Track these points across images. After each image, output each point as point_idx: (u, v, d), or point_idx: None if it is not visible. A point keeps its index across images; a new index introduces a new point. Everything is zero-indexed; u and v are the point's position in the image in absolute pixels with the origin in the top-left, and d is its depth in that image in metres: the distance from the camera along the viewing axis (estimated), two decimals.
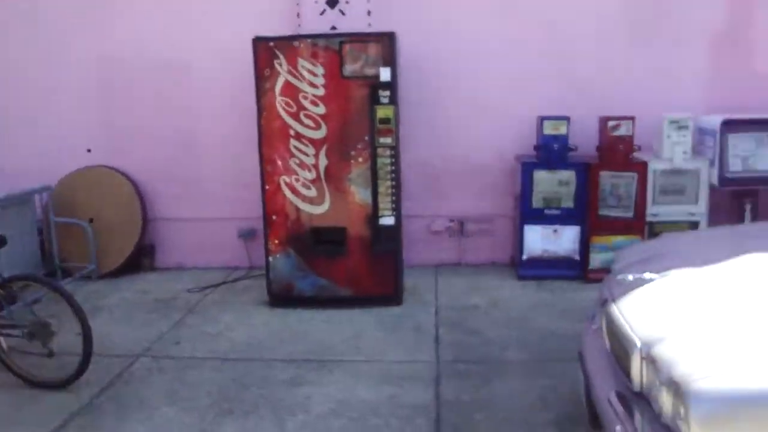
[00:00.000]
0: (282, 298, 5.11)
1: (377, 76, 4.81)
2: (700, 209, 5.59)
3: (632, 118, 5.41)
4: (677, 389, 2.09)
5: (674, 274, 2.84)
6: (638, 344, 2.40)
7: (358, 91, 4.85)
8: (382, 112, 4.86)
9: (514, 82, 5.89)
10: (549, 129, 5.51)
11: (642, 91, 5.79)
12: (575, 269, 5.68)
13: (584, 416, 3.33)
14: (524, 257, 5.70)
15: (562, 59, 5.84)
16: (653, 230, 5.56)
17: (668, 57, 5.86)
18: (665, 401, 2.18)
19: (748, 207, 5.68)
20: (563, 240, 5.67)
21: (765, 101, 5.94)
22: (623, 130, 5.43)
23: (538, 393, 3.71)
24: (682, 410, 2.06)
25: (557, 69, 5.84)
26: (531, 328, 4.65)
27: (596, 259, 5.60)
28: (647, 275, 2.85)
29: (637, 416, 2.35)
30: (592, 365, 2.85)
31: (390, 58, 4.80)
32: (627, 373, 2.50)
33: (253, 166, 5.30)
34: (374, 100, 4.83)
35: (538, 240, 5.68)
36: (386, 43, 4.80)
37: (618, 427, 2.34)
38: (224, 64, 5.81)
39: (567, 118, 5.49)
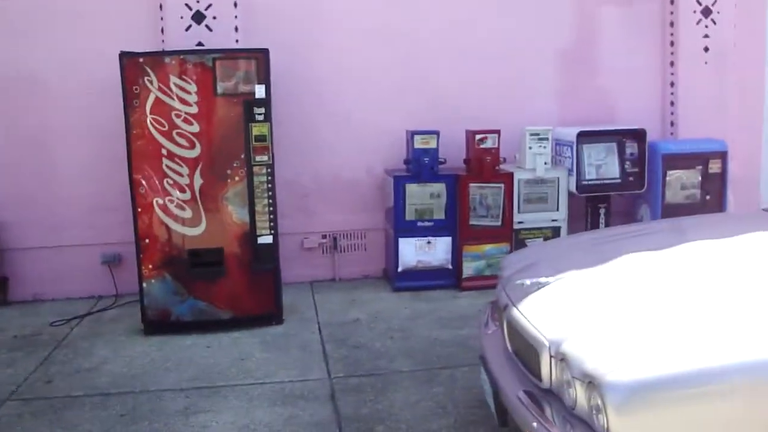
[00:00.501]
0: (158, 324, 4.89)
1: (252, 94, 4.75)
2: (561, 215, 5.95)
3: (498, 132, 5.68)
4: (592, 383, 2.22)
5: (565, 277, 3.01)
6: (547, 344, 2.52)
7: (233, 108, 4.76)
8: (257, 130, 4.80)
9: (383, 97, 6.02)
10: (419, 143, 5.67)
11: (504, 105, 6.11)
12: (449, 278, 5.86)
13: (483, 419, 3.48)
14: (399, 269, 5.80)
15: (428, 75, 6.06)
16: (519, 237, 5.86)
17: (526, 73, 6.23)
18: (579, 395, 2.31)
19: (602, 211, 6.12)
20: (437, 251, 5.83)
21: (610, 114, 6.47)
22: (489, 143, 5.69)
23: (435, 400, 3.78)
24: (598, 402, 2.18)
25: (424, 84, 6.05)
26: (414, 338, 4.73)
27: (469, 268, 5.81)
28: (543, 279, 3.00)
29: (549, 412, 2.47)
30: (496, 368, 2.95)
31: (264, 75, 4.76)
32: (535, 372, 2.62)
33: (119, 188, 5.07)
34: (249, 118, 4.76)
35: (413, 251, 5.81)
36: (261, 59, 4.75)
37: (534, 424, 2.43)
38: (82, 80, 5.51)
39: (436, 133, 5.67)
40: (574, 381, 2.33)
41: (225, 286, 4.93)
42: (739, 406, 2.10)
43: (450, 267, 5.84)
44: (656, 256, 3.14)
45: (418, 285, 5.79)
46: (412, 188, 5.72)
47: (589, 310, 2.66)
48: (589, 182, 5.95)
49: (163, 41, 5.48)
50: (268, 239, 4.96)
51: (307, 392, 3.94)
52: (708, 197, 6.21)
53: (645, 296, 2.69)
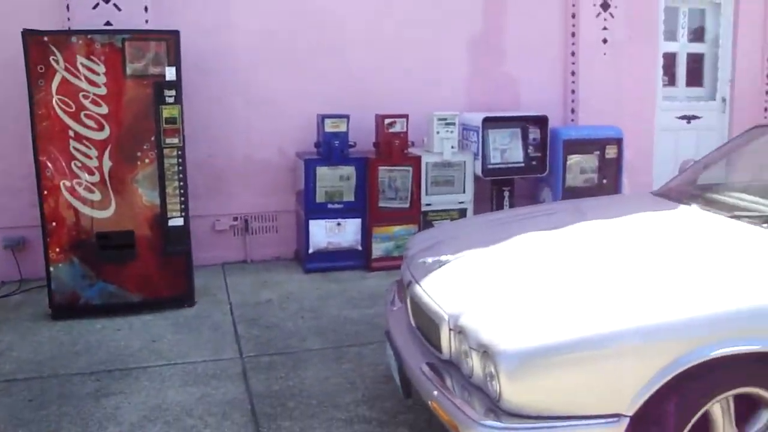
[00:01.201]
0: (67, 309, 4.83)
1: (162, 75, 4.73)
2: (467, 197, 6.18)
3: (406, 116, 5.84)
4: (486, 352, 2.40)
5: (466, 255, 3.20)
6: (446, 317, 2.69)
7: (143, 90, 4.73)
8: (167, 112, 4.78)
9: (296, 80, 6.09)
10: (329, 127, 5.77)
11: (414, 90, 6.29)
12: (359, 259, 6.01)
13: (390, 392, 3.65)
14: (310, 250, 5.91)
15: (341, 59, 6.16)
16: (427, 219, 6.06)
17: (436, 60, 6.42)
18: (476, 364, 2.49)
19: (506, 194, 6.39)
20: (346, 232, 5.96)
21: (515, 100, 6.75)
22: (398, 127, 5.85)
23: (344, 376, 3.93)
24: (492, 369, 2.37)
25: (336, 68, 6.15)
26: (325, 318, 4.86)
27: (378, 249, 5.97)
28: (444, 258, 3.18)
29: (449, 381, 2.65)
30: (401, 342, 3.12)
31: (175, 57, 4.75)
32: (436, 344, 2.79)
33: (22, 170, 4.97)
34: (159, 100, 4.75)
35: (323, 233, 5.92)
36: (171, 41, 4.73)
37: (435, 392, 2.60)
38: None
39: (347, 117, 5.78)
40: (470, 351, 2.51)
41: (135, 268, 4.91)
42: (619, 369, 2.32)
43: (360, 248, 5.98)
44: (551, 234, 3.38)
45: (328, 266, 5.92)
46: (322, 171, 5.82)
47: (486, 285, 2.86)
48: (494, 166, 6.21)
49: (68, 19, 5.36)
50: (179, 222, 4.97)
51: (219, 372, 4.01)
52: (605, 181, 6.57)
53: (538, 271, 2.90)
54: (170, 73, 4.75)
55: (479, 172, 6.15)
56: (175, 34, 4.78)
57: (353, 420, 3.44)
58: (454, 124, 6.03)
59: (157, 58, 4.73)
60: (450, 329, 2.67)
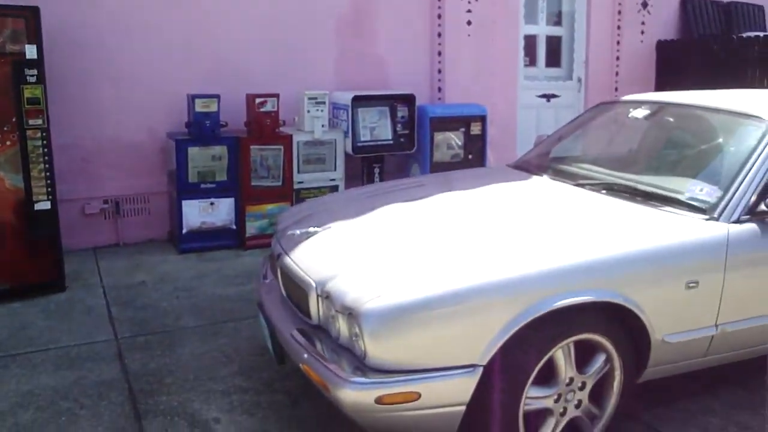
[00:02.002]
0: None
1: (22, 54, 4.56)
2: (338, 175, 6.33)
3: (277, 95, 5.91)
4: (351, 314, 2.57)
5: (333, 226, 3.35)
6: (314, 284, 2.84)
7: (1, 69, 4.56)
8: (29, 92, 4.63)
9: (165, 60, 6.01)
10: (200, 107, 5.75)
11: (285, 70, 6.35)
12: (233, 238, 6.05)
13: (265, 363, 3.77)
14: (184, 231, 5.89)
15: (212, 38, 6.13)
16: (300, 197, 6.16)
17: (306, 40, 6.50)
18: (342, 327, 2.66)
19: (376, 170, 6.59)
20: (220, 212, 5.98)
21: (383, 79, 6.94)
22: (269, 107, 5.91)
23: (220, 351, 4.00)
24: (357, 330, 2.54)
25: (207, 48, 6.12)
26: (200, 296, 4.89)
27: (252, 227, 6.03)
28: (311, 229, 3.32)
29: (318, 344, 2.80)
30: (272, 312, 3.23)
31: (36, 35, 4.59)
32: (305, 311, 2.93)
33: None
34: (20, 80, 4.58)
35: (196, 213, 5.91)
36: (31, 17, 4.57)
37: (305, 355, 2.75)
38: None
39: (217, 96, 5.78)
40: (337, 315, 2.67)
41: (0, 256, 4.75)
42: (472, 323, 2.55)
43: (234, 227, 6.02)
44: (413, 204, 3.60)
45: (203, 246, 5.92)
46: (194, 151, 5.80)
47: (351, 252, 3.03)
48: (364, 143, 6.39)
49: None
50: (46, 206, 4.83)
51: (93, 354, 3.98)
52: (471, 156, 6.89)
53: (399, 237, 3.11)
54: (31, 52, 4.59)
55: (350, 149, 6.31)
56: (35, 10, 4.61)
57: (230, 391, 3.54)
58: (324, 103, 6.15)
59: (15, 35, 4.55)
60: (318, 295, 2.82)
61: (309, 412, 3.35)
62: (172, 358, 3.92)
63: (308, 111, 6.10)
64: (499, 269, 2.65)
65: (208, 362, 3.87)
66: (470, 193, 3.75)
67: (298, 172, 6.17)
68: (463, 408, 2.58)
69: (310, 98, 6.09)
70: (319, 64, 6.61)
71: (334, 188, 6.32)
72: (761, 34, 8.36)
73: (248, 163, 5.93)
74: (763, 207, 3.12)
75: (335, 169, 6.32)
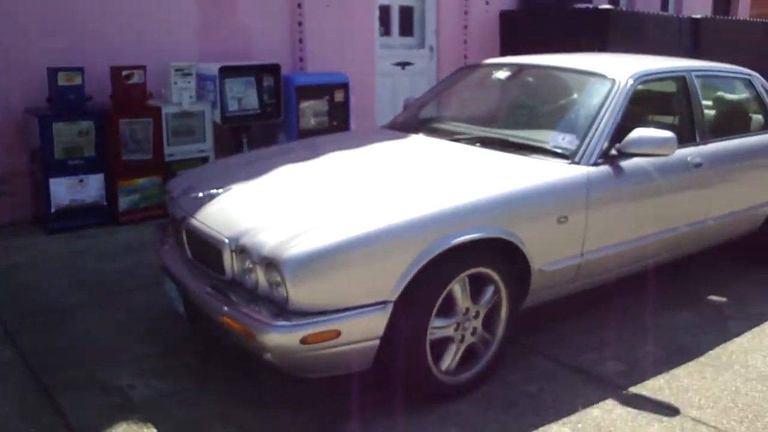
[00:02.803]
0: None
1: None
2: (208, 146, 6.36)
3: (143, 67, 5.84)
4: (271, 263, 2.75)
5: (234, 187, 3.48)
6: (226, 241, 2.99)
7: None
8: None
9: (17, 32, 5.75)
10: (63, 80, 5.58)
11: (150, 42, 6.27)
12: (105, 215, 5.93)
13: (168, 328, 3.86)
14: (52, 210, 5.72)
15: (70, 9, 5.91)
16: (171, 169, 6.13)
17: (169, 11, 6.43)
18: (260, 277, 2.83)
19: (245, 140, 6.67)
20: (90, 188, 5.85)
21: (248, 50, 7.00)
22: (136, 79, 5.83)
23: (117, 322, 4.01)
24: (278, 278, 2.73)
25: (69, 19, 5.90)
26: (82, 273, 4.81)
27: (124, 202, 5.95)
28: (213, 191, 3.43)
29: (235, 297, 2.95)
30: (181, 274, 3.34)
31: None
32: (218, 268, 3.07)
33: None
34: None
35: (64, 191, 5.74)
36: None
37: (225, 308, 2.90)
38: None
39: (81, 69, 5.63)
40: (254, 266, 2.84)
41: None
42: (382, 263, 2.82)
43: (105, 203, 5.92)
44: (310, 163, 3.82)
45: (74, 224, 5.76)
46: (59, 127, 5.62)
47: (258, 209, 3.19)
48: (232, 114, 6.46)
49: None
50: None
51: None
52: (335, 123, 7.12)
53: (304, 193, 3.32)
54: None
55: (218, 120, 6.36)
56: None
57: (137, 358, 3.58)
58: (191, 74, 6.15)
59: None
60: (231, 251, 2.97)
61: (221, 369, 3.49)
62: (67, 335, 3.88)
63: (175, 83, 6.07)
64: (402, 213, 2.94)
65: (107, 334, 3.88)
66: (358, 151, 4.00)
67: (168, 144, 6.14)
68: (377, 341, 2.85)
69: (176, 70, 6.06)
70: (185, 34, 6.57)
71: (205, 159, 6.34)
72: (591, 5, 9.19)
73: (117, 138, 5.83)
74: (614, 151, 3.62)
75: (205, 141, 6.34)
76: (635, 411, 3.18)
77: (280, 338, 2.70)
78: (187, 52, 6.44)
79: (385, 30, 8.34)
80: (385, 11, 8.26)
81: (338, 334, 2.75)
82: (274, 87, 6.69)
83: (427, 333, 2.96)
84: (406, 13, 8.57)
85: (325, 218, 2.94)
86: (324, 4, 7.37)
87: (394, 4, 8.38)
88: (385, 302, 2.82)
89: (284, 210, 3.12)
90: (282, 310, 2.76)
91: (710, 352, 3.76)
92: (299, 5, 7.26)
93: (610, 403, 3.22)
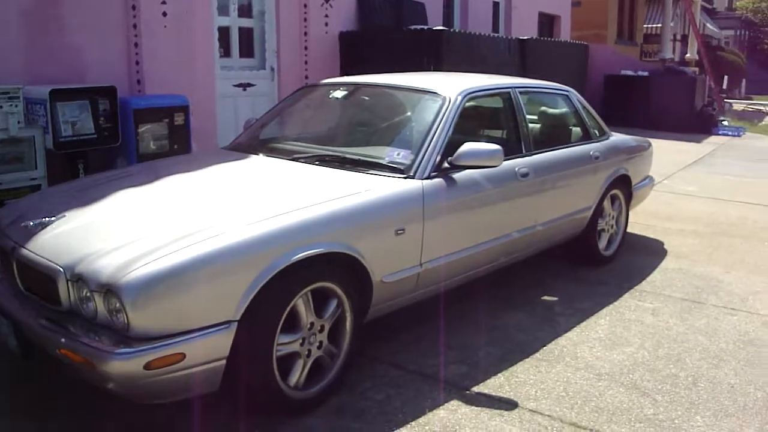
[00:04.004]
0: None
1: None
2: (40, 173, 6.02)
3: None
4: (109, 290, 2.69)
5: (68, 214, 3.35)
6: (61, 270, 2.88)
7: None
8: None
9: None
10: None
11: None
12: None
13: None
14: None
15: None
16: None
17: None
18: (99, 305, 2.76)
19: (81, 166, 6.41)
20: None
21: (82, 72, 6.75)
22: None
23: None
24: (117, 305, 2.67)
25: None
26: None
27: None
28: (46, 220, 3.29)
29: (72, 328, 2.84)
30: (12, 307, 3.16)
31: None
32: (53, 299, 2.95)
33: None
34: None
35: None
36: None
37: (63, 339, 2.79)
38: None
39: None
40: (92, 294, 2.76)
41: None
42: (224, 282, 2.82)
43: None
44: (148, 187, 3.74)
45: None
46: None
47: (94, 236, 3.09)
48: (66, 139, 6.18)
49: None
50: None
51: None
52: (176, 146, 6.97)
53: (140, 217, 3.25)
54: None
55: (50, 146, 6.07)
56: None
57: None
58: (18, 97, 5.81)
59: None
60: (67, 280, 2.87)
61: (62, 403, 3.34)
62: None
63: (1, 107, 5.74)
64: (241, 232, 2.96)
65: None
66: (198, 173, 3.98)
67: None
68: (224, 362, 2.85)
69: (1, 93, 5.73)
70: (10, 57, 6.22)
71: (36, 188, 6.00)
72: (426, 27, 9.61)
73: None
74: (446, 164, 3.83)
75: (36, 168, 6.01)
76: (478, 409, 3.36)
77: (123, 366, 2.64)
78: (12, 74, 6.10)
79: (225, 51, 8.30)
80: (224, 32, 8.22)
81: (183, 357, 2.72)
82: (110, 110, 6.46)
83: (273, 350, 2.99)
84: (246, 34, 8.57)
85: (164, 241, 2.91)
86: (161, 24, 7.23)
87: (234, 25, 8.36)
88: (229, 322, 2.83)
89: (122, 235, 3.04)
90: (123, 337, 2.70)
91: (544, 347, 4.04)
92: (134, 26, 7.08)
93: (455, 404, 3.39)
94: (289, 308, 3.05)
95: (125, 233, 3.06)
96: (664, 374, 3.76)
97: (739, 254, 6.06)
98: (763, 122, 20.14)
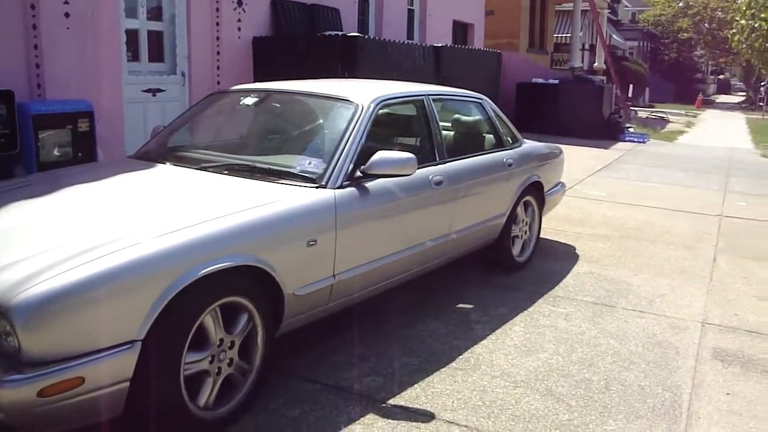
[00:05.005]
0: None
1: None
2: None
3: None
4: None
5: None
6: None
7: None
8: None
9: None
10: None
11: None
12: None
13: None
14: None
15: None
16: None
17: None
18: None
19: None
20: None
21: None
22: None
23: None
24: (7, 327, 2.48)
25: None
26: None
27: None
28: None
29: None
30: None
31: None
32: None
33: None
34: None
35: None
36: None
37: None
38: None
39: None
40: None
41: None
42: (125, 301, 2.66)
43: None
44: (38, 199, 3.50)
45: None
46: None
47: None
48: None
49: None
50: None
51: None
52: (80, 154, 6.70)
53: (35, 232, 3.04)
54: None
55: None
56: None
57: None
58: None
59: None
60: None
61: None
62: None
63: None
64: (145, 247, 2.81)
65: None
66: (101, 183, 3.78)
67: None
68: (127, 384, 2.69)
69: None
70: None
71: None
72: (340, 33, 9.55)
73: None
74: (358, 173, 3.77)
75: None
76: (394, 422, 3.30)
77: (13, 394, 2.45)
78: None
79: (134, 55, 8.02)
80: (132, 35, 7.94)
81: (82, 381, 2.55)
82: (7, 116, 6.14)
83: (180, 369, 2.85)
84: (156, 37, 8.32)
85: (62, 257, 2.72)
86: (63, 25, 6.90)
87: (143, 28, 8.09)
88: (132, 342, 2.67)
89: (15, 251, 2.83)
90: (14, 362, 2.51)
91: (460, 356, 4.03)
92: (34, 26, 6.74)
93: (371, 418, 3.32)
94: (196, 325, 2.91)
95: (18, 249, 2.85)
96: (577, 379, 3.81)
97: (645, 257, 6.24)
98: (665, 129, 21.03)
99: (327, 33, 9.66)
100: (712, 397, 3.70)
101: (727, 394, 3.75)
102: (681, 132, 20.75)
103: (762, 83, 30.98)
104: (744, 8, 6.68)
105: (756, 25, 6.49)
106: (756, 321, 4.81)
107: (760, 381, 3.91)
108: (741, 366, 4.09)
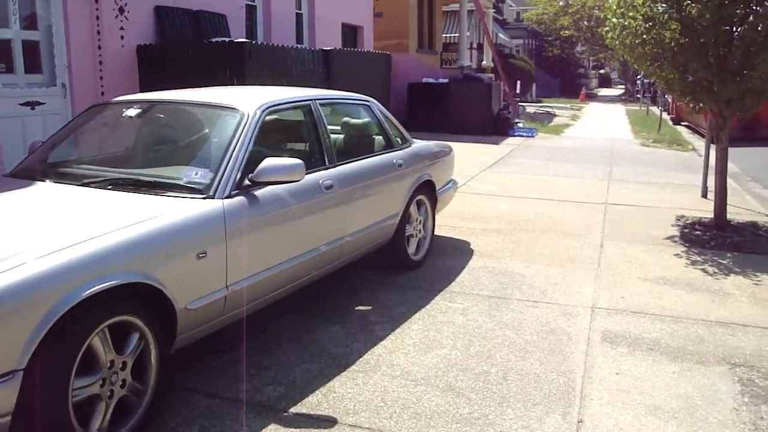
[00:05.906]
0: None
1: None
2: None
3: None
4: None
5: None
6: None
7: None
8: None
9: None
10: None
11: None
12: None
13: None
14: None
15: None
16: None
17: None
18: None
19: None
20: None
21: None
22: None
23: None
24: None
25: None
26: None
27: None
28: None
29: None
30: None
31: None
32: None
33: None
34: None
35: None
36: None
37: None
38: None
39: None
40: None
41: None
42: (2, 331, 2.53)
43: None
44: None
45: None
46: None
47: None
48: None
49: None
50: None
51: None
52: None
53: None
54: None
55: None
56: None
57: None
58: None
59: None
60: None
61: None
62: None
63: None
64: (22, 270, 2.67)
65: None
66: None
67: None
68: (8, 418, 2.56)
69: None
70: None
71: None
72: (227, 39, 9.41)
73: None
74: (247, 182, 3.73)
75: None
76: (297, 431, 3.29)
77: None
78: None
79: (8, 67, 7.63)
80: (5, 45, 7.55)
81: None
82: None
83: (68, 397, 2.73)
84: (31, 47, 7.94)
85: None
86: None
87: (17, 37, 7.71)
88: (12, 372, 2.54)
89: None
90: None
91: (360, 358, 4.05)
92: None
93: (273, 428, 3.29)
94: (83, 349, 2.80)
95: None
96: (476, 372, 3.90)
97: (537, 248, 6.46)
98: (552, 123, 21.82)
99: (214, 39, 9.50)
100: (603, 378, 3.87)
101: (616, 374, 3.92)
102: (567, 125, 21.57)
103: (638, 77, 32.63)
104: (614, 7, 7.07)
105: (626, 23, 6.87)
106: (640, 301, 5.07)
107: (645, 359, 4.12)
108: (628, 346, 4.30)
